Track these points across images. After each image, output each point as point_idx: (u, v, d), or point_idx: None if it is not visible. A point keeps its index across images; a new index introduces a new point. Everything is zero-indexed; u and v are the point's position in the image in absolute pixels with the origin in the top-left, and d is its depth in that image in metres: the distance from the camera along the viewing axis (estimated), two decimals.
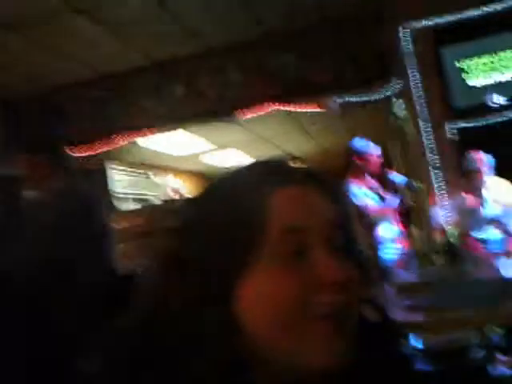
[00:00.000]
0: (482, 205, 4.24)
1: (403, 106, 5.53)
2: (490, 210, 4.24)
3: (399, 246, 4.22)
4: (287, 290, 0.58)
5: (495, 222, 4.16)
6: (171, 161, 8.78)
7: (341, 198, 0.67)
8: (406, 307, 1.96)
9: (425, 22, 5.31)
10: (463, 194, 4.43)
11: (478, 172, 4.28)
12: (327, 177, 0.67)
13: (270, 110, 6.01)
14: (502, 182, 4.30)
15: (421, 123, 5.29)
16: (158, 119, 6.24)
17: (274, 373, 0.60)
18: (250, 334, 0.59)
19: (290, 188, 0.63)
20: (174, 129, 6.48)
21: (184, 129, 6.64)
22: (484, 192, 4.26)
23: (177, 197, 8.58)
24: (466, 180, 4.41)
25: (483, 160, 4.29)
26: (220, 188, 0.67)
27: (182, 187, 9.38)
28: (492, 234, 4.22)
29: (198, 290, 0.60)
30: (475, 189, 4.32)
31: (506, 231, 4.13)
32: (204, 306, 0.59)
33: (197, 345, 0.58)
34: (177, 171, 9.77)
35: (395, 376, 0.67)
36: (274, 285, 0.58)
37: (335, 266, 0.59)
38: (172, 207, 5.65)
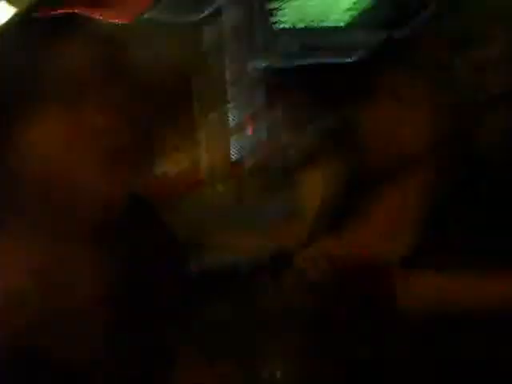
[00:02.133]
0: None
1: (213, 33, 5.51)
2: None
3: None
4: (63, 133, 0.62)
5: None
6: None
7: (124, 57, 0.72)
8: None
9: None
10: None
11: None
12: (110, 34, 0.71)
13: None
14: None
15: (224, 55, 5.36)
16: None
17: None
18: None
19: (70, 37, 0.65)
20: None
21: None
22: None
23: None
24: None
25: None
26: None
27: None
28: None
29: None
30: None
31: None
32: None
33: None
34: None
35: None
36: (50, 129, 0.61)
37: (106, 111, 0.64)
38: None
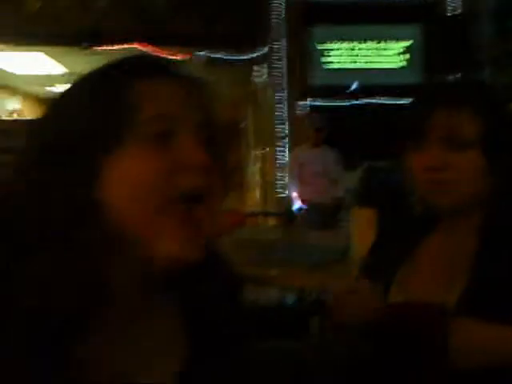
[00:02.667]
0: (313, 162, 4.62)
1: (264, 72, 5.66)
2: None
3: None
4: (152, 171, 0.60)
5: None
6: (13, 80, 8.00)
7: (206, 96, 0.68)
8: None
9: None
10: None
11: (317, 131, 4.70)
12: (190, 73, 0.68)
13: (130, 46, 5.75)
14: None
15: (277, 93, 5.48)
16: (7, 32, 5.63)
17: (132, 262, 0.62)
18: (115, 218, 0.60)
19: (157, 77, 0.64)
20: (27, 49, 5.90)
21: (39, 50, 6.06)
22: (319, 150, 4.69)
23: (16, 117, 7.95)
24: (307, 138, 4.80)
25: (321, 122, 4.74)
26: (81, 85, 0.65)
27: (24, 109, 8.61)
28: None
29: (63, 173, 0.60)
30: (312, 145, 4.76)
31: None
32: (69, 190, 0.59)
33: (65, 227, 0.59)
34: (20, 92, 8.93)
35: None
36: (139, 166, 0.60)
37: (199, 150, 0.62)
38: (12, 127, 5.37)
